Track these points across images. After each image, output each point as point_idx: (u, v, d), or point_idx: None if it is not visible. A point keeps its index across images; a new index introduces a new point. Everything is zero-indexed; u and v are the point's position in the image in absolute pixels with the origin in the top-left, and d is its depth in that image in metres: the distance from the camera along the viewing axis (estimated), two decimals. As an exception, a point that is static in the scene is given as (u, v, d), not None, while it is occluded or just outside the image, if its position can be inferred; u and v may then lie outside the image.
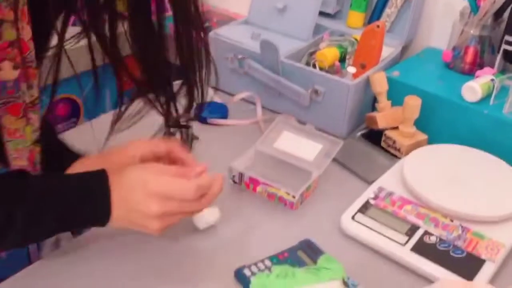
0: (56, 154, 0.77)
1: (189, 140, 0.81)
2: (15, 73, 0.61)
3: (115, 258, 0.73)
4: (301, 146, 0.90)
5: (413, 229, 0.78)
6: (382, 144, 0.97)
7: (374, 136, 0.98)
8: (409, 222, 0.79)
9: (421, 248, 0.75)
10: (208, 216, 0.75)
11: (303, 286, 0.64)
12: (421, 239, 0.77)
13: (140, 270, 0.72)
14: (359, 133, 1.00)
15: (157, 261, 0.73)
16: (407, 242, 0.76)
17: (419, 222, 0.79)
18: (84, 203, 0.66)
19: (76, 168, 0.75)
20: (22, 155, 0.68)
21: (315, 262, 0.72)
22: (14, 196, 0.63)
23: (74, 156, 0.77)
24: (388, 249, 0.76)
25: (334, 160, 0.91)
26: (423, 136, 0.95)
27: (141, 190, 0.66)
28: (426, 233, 0.77)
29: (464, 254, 0.74)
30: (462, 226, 0.78)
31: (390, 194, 0.84)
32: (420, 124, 0.95)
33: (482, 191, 0.83)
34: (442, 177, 0.85)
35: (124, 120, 0.74)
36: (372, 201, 0.82)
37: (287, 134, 0.92)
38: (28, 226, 0.63)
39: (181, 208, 0.68)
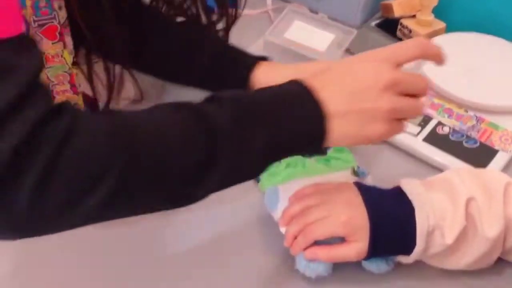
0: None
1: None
2: None
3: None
4: (313, 36, 0.87)
5: (426, 119, 0.77)
6: (398, 33, 0.93)
7: (390, 26, 0.94)
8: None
9: (434, 139, 0.74)
10: None
11: (313, 175, 0.64)
12: (433, 129, 0.76)
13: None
14: (373, 22, 0.96)
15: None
16: (419, 132, 0.75)
17: (432, 112, 0.77)
18: (289, 110, 0.51)
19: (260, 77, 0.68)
20: (63, 80, 0.66)
21: (325, 152, 0.71)
22: (209, 125, 0.48)
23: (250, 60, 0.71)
24: (399, 140, 0.75)
25: (347, 51, 0.88)
26: (441, 25, 0.91)
27: (361, 63, 0.54)
28: (439, 123, 0.76)
29: (477, 144, 0.73)
30: (476, 117, 0.77)
31: (404, 84, 0.81)
32: (438, 12, 0.91)
33: (499, 80, 0.80)
34: (459, 67, 0.82)
35: None
36: (385, 92, 0.80)
37: (298, 23, 0.89)
38: (233, 158, 0.48)
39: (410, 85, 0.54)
